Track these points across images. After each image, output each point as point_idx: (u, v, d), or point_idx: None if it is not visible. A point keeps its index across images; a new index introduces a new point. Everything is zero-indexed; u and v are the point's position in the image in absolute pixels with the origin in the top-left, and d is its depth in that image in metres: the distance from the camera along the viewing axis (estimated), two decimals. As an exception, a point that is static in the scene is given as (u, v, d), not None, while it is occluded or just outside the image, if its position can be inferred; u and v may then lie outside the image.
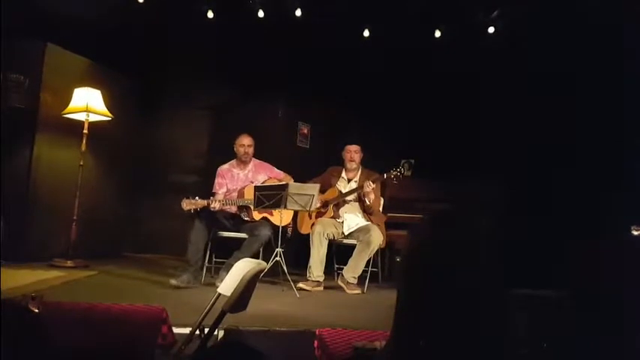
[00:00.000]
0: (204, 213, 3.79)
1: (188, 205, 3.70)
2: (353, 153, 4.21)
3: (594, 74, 4.27)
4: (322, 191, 4.11)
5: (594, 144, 4.39)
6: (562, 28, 4.30)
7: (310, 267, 3.90)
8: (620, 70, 4.19)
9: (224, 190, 4.13)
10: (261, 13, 4.71)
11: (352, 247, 3.99)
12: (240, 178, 4.17)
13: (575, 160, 4.41)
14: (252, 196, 3.76)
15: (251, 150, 4.15)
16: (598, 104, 4.37)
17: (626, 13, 3.93)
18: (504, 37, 4.71)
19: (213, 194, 4.07)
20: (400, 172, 3.91)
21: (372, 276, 4.07)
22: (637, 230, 3.39)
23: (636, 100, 4.11)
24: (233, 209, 4.06)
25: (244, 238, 3.90)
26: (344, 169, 4.29)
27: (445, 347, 0.94)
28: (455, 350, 0.94)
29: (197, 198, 3.73)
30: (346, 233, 4.08)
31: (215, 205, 3.77)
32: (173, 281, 3.54)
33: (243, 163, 4.17)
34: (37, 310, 1.66)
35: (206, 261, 3.91)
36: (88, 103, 4.16)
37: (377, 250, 4.01)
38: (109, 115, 4.33)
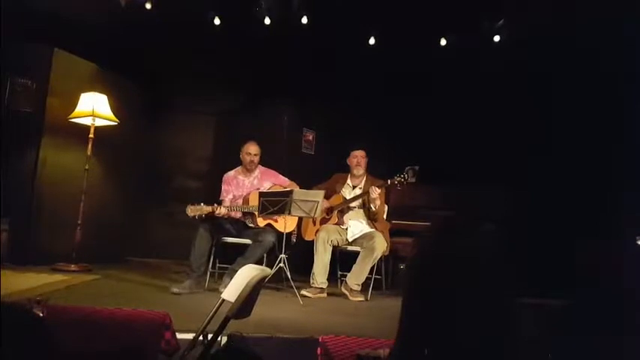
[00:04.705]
0: (209, 219, 3.77)
1: (192, 211, 3.68)
2: (360, 158, 4.20)
3: (596, 80, 4.27)
4: (327, 197, 4.10)
5: (597, 150, 4.38)
6: (562, 32, 4.31)
7: (314, 273, 3.88)
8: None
9: (230, 196, 4.13)
10: (267, 21, 4.74)
11: (356, 253, 3.98)
12: (245, 185, 4.17)
13: (578, 166, 4.40)
14: (257, 203, 3.75)
15: (257, 159, 4.14)
16: (599, 108, 4.37)
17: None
18: (509, 45, 4.72)
19: (221, 201, 4.06)
20: (404, 178, 3.90)
21: (376, 283, 4.04)
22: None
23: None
24: (238, 215, 4.05)
25: (248, 244, 3.90)
26: (349, 176, 4.28)
27: (450, 356, 0.94)
28: (459, 359, 0.93)
29: (202, 204, 3.73)
30: (350, 240, 4.08)
31: (221, 211, 3.76)
32: (174, 289, 3.51)
33: (249, 170, 4.17)
34: (41, 314, 1.67)
35: (210, 266, 3.90)
36: (94, 108, 4.19)
37: (381, 257, 4.00)
38: (115, 119, 4.35)
